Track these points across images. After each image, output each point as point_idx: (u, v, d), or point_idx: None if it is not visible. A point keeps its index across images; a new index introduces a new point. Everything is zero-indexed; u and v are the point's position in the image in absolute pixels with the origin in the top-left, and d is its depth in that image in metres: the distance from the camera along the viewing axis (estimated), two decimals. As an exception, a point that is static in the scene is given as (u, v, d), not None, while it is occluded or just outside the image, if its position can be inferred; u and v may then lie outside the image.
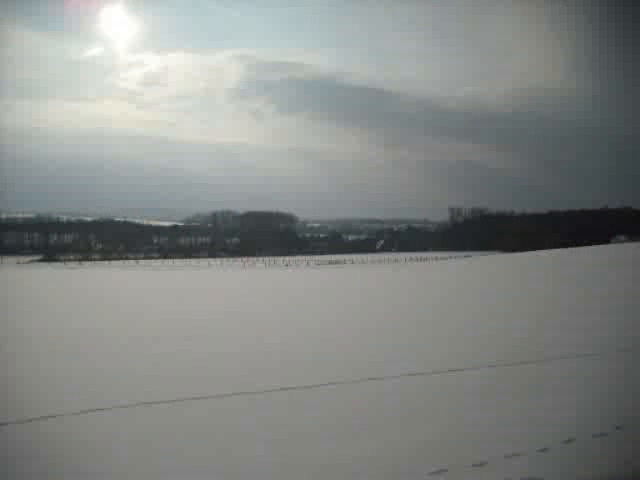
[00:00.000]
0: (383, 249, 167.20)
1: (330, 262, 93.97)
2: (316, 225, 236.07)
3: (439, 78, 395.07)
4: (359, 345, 14.68)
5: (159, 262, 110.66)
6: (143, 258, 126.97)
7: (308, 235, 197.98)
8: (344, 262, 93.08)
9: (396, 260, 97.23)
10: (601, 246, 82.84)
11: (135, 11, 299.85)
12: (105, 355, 13.64)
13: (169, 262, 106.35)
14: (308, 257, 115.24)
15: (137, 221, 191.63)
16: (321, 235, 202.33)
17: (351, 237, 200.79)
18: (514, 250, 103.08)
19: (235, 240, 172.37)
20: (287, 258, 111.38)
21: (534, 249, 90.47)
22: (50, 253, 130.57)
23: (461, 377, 10.48)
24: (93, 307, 27.13)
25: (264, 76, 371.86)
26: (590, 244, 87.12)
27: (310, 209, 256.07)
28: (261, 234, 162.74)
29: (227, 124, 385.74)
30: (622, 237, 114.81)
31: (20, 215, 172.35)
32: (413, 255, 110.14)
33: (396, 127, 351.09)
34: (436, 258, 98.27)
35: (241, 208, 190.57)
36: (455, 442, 6.81)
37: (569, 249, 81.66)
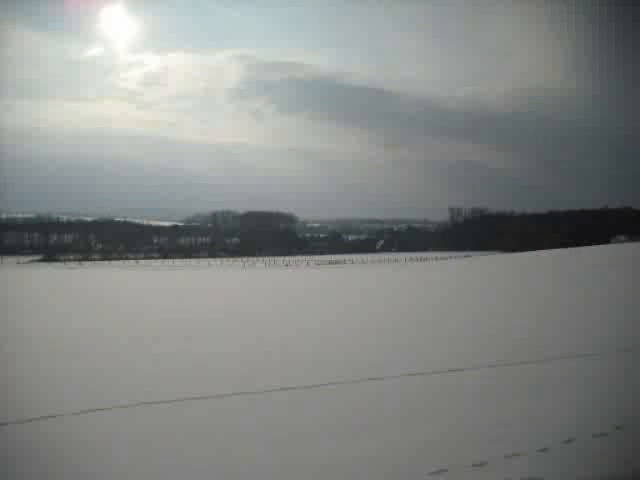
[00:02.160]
0: (383, 249, 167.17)
1: (330, 262, 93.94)
2: (316, 225, 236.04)
3: (439, 78, 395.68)
4: (359, 345, 14.68)
5: (159, 262, 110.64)
6: (143, 258, 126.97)
7: (308, 235, 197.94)
8: (344, 262, 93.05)
9: (396, 260, 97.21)
10: (601, 246, 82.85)
11: (135, 11, 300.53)
12: (105, 355, 13.64)
13: (169, 262, 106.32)
14: (308, 257, 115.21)
15: (137, 221, 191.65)
16: (321, 235, 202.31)
17: (351, 237, 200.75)
18: (514, 250, 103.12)
19: (235, 240, 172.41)
20: (287, 258, 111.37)
21: (534, 249, 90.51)
22: (50, 253, 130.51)
23: (461, 377, 10.48)
24: (93, 307, 27.13)
25: (264, 76, 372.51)
26: (590, 244, 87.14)
27: (310, 209, 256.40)
28: (261, 234, 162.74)
29: (227, 124, 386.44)
30: (622, 237, 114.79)
31: (20, 215, 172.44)
32: (413, 255, 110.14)
33: (396, 127, 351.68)
34: (436, 258, 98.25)
35: (241, 208, 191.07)
36: (455, 442, 6.81)
37: (569, 249, 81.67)
